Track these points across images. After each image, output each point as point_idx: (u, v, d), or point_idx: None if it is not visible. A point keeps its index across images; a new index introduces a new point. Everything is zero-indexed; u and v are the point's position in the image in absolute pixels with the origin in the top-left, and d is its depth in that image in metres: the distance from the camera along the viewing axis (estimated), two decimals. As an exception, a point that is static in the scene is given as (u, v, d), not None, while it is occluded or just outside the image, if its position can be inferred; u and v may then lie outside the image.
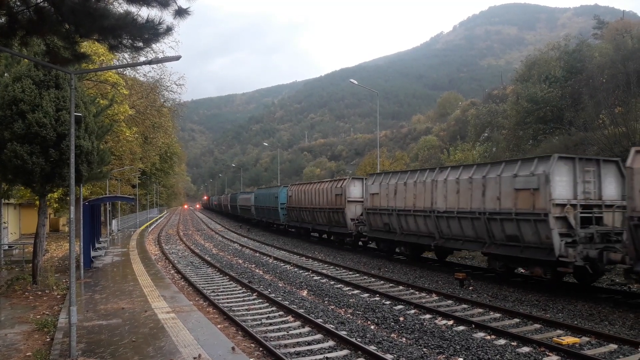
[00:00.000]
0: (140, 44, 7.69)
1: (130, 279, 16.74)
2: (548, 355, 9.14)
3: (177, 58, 10.06)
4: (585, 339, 10.12)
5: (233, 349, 8.79)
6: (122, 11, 7.43)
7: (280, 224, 40.06)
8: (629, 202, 12.09)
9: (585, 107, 30.52)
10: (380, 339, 10.19)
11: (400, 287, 16.13)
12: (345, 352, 9.34)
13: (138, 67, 34.71)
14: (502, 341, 10.02)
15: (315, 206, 30.74)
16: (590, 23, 65.96)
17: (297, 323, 11.62)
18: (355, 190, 26.79)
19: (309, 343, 10.06)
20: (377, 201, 22.75)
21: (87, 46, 18.55)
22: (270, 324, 11.59)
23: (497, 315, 12.26)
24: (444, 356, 9.22)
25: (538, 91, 35.03)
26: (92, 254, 20.83)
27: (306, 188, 32.75)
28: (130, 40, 7.54)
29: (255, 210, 49.04)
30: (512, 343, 9.89)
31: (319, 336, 10.47)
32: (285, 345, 9.85)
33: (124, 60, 29.10)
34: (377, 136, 47.05)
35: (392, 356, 9.08)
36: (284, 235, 39.09)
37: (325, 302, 14.19)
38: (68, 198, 15.37)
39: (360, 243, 27.26)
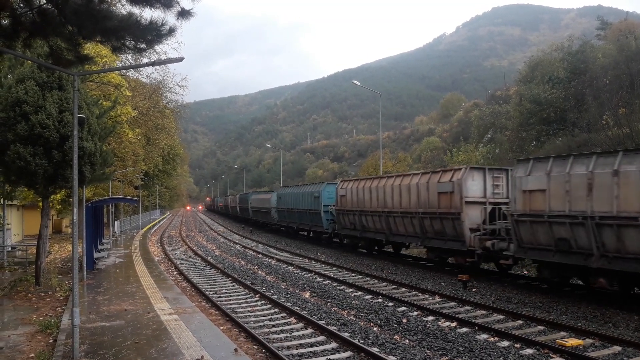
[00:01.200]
0: (143, 45, 7.71)
1: (132, 281, 16.75)
2: (552, 357, 9.09)
3: (180, 59, 10.09)
4: (589, 340, 10.07)
5: (236, 350, 8.79)
6: (125, 13, 7.45)
7: (324, 231, 30.39)
8: None
9: (589, 108, 30.44)
10: (383, 340, 10.17)
11: (403, 289, 16.09)
12: (348, 353, 9.32)
13: (141, 69, 34.87)
14: (505, 343, 9.98)
15: (392, 209, 21.77)
16: (593, 24, 65.85)
17: (300, 325, 11.61)
18: (475, 186, 18.09)
19: (312, 345, 10.04)
20: (555, 201, 13.67)
21: (90, 48, 18.60)
22: (273, 326, 11.57)
23: (501, 317, 12.21)
24: (447, 358, 9.18)
25: (541, 92, 34.97)
26: (95, 255, 20.87)
27: (373, 184, 23.79)
28: (133, 42, 7.56)
29: (278, 214, 40.34)
30: (516, 345, 9.85)
31: (321, 338, 10.45)
32: (288, 347, 9.83)
33: (127, 62, 29.23)
34: (379, 137, 47.04)
35: (395, 358, 9.05)
36: (327, 247, 30.48)
37: (328, 303, 14.17)
38: (71, 199, 15.39)
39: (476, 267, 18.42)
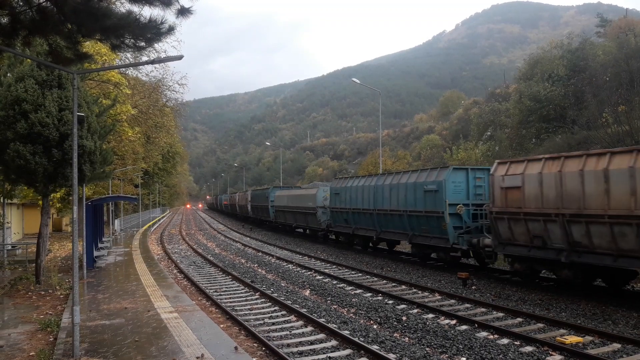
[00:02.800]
0: (143, 43, 7.70)
1: (133, 279, 16.76)
2: (551, 355, 9.11)
3: (180, 57, 10.07)
4: (588, 338, 10.08)
5: (236, 348, 8.80)
6: (124, 11, 7.44)
7: (449, 248, 18.56)
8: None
9: (588, 105, 30.46)
10: (383, 338, 10.18)
11: (403, 287, 16.11)
12: (348, 351, 9.33)
13: (140, 67, 34.82)
14: (505, 340, 9.99)
15: None
16: (593, 21, 65.82)
17: (300, 322, 11.62)
18: None
19: (312, 342, 10.05)
20: None
21: (89, 46, 18.60)
22: (273, 324, 11.59)
23: (500, 314, 12.23)
24: (446, 355, 9.20)
25: (541, 90, 34.97)
26: (95, 253, 20.87)
27: None
28: (132, 40, 7.55)
29: (332, 217, 28.97)
30: (515, 342, 9.87)
31: (321, 336, 10.47)
32: (288, 345, 9.85)
33: (127, 60, 29.20)
34: (379, 135, 47.03)
35: (395, 355, 9.07)
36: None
37: (328, 301, 14.19)
38: (71, 198, 15.44)
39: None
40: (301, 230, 38.02)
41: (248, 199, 54.79)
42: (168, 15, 7.21)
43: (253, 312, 12.90)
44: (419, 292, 15.25)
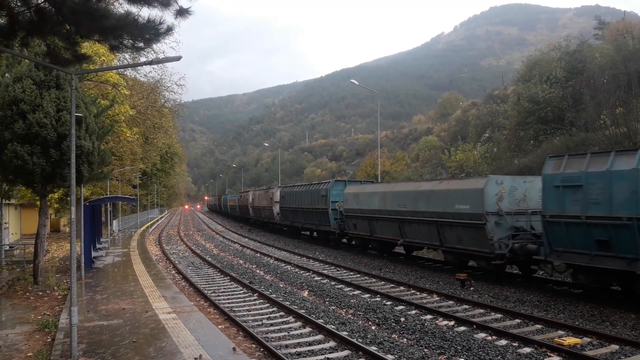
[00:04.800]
0: (141, 44, 7.68)
1: (131, 280, 16.73)
2: (549, 356, 9.12)
3: (178, 58, 10.07)
4: (586, 339, 10.09)
5: (234, 349, 8.79)
6: (122, 11, 7.42)
7: None
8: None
9: (586, 107, 30.51)
10: (382, 339, 10.18)
11: (401, 288, 16.11)
12: (346, 352, 9.33)
13: (139, 68, 34.71)
14: (503, 342, 10.00)
15: None
16: (591, 23, 66.01)
17: (298, 324, 11.62)
18: None
19: (310, 343, 10.05)
20: None
21: (87, 47, 18.56)
22: (271, 325, 11.58)
23: (499, 315, 12.24)
24: (445, 357, 9.20)
25: (539, 91, 35.01)
26: (93, 254, 20.84)
27: None
28: (131, 41, 7.54)
29: (568, 234, 13.00)
30: (514, 344, 9.87)
31: (320, 337, 10.46)
32: (286, 346, 9.84)
33: (125, 61, 29.14)
34: (377, 136, 47.08)
35: (393, 357, 9.07)
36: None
37: (326, 302, 14.18)
38: (69, 198, 15.37)
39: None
40: (380, 247, 24.40)
41: (274, 199, 39.42)
42: (167, 16, 7.20)
43: (251, 313, 12.88)
44: (417, 293, 15.25)
